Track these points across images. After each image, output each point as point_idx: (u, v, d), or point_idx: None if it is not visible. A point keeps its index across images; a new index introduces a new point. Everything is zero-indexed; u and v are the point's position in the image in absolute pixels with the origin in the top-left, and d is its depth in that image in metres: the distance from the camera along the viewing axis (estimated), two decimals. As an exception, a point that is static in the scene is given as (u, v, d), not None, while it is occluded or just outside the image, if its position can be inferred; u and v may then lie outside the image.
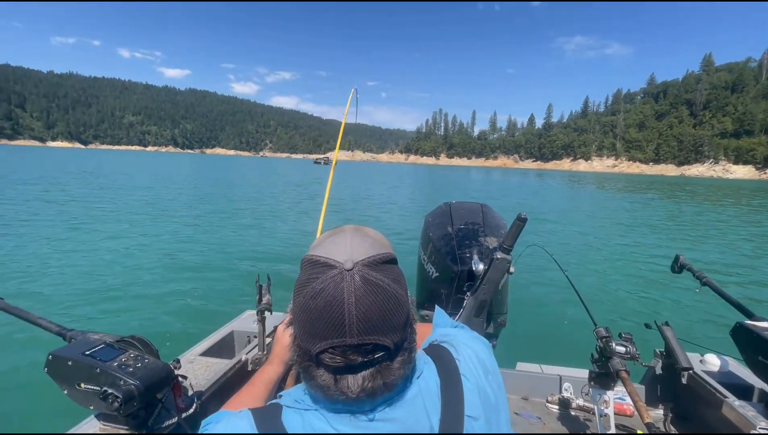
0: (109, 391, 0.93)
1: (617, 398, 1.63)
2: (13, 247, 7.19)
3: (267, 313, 1.46)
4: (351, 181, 33.37)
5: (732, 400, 1.40)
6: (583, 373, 1.70)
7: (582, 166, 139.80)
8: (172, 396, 1.09)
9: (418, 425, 0.56)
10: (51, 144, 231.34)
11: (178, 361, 1.14)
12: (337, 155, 2.78)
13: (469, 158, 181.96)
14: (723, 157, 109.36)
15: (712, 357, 1.75)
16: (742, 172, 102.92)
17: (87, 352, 1.02)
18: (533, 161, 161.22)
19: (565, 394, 1.74)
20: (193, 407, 1.13)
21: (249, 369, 1.50)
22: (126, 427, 1.04)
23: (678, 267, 1.97)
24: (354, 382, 0.51)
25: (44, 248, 7.22)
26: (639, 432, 1.51)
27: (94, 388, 0.96)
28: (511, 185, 39.69)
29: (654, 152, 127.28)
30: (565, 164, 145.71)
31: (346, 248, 0.55)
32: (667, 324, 1.69)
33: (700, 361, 1.75)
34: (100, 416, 1.07)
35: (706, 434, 1.52)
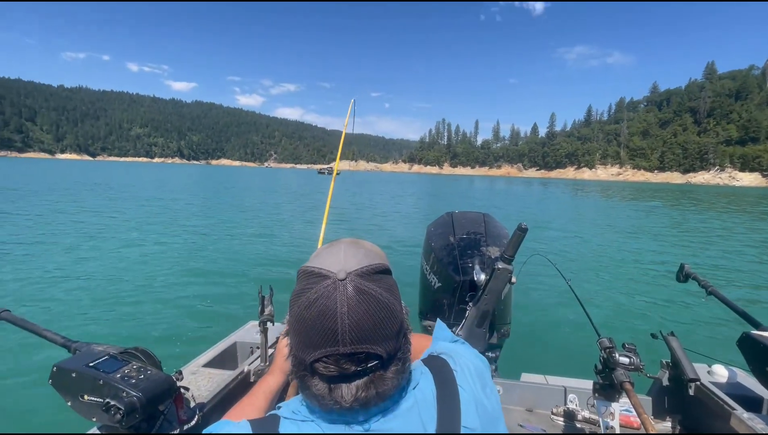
0: (112, 402, 0.93)
1: (624, 410, 1.61)
2: (20, 258, 7.26)
3: (269, 324, 1.46)
4: (354, 190, 33.50)
5: (740, 412, 1.38)
6: (589, 385, 1.67)
7: (586, 174, 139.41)
8: (174, 408, 1.09)
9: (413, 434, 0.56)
10: (60, 156, 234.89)
11: (181, 373, 1.14)
12: (337, 165, 2.82)
13: (473, 167, 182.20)
14: (729, 165, 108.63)
15: (720, 368, 1.72)
16: (749, 179, 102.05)
17: (91, 364, 1.03)
18: (537, 170, 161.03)
19: (571, 406, 1.71)
20: (195, 419, 1.13)
21: (251, 380, 1.50)
22: None
23: (683, 276, 1.95)
24: (348, 391, 0.52)
25: (51, 260, 7.29)
26: None
27: (97, 399, 0.97)
28: (514, 194, 39.61)
29: (659, 160, 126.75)
30: (569, 173, 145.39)
31: (340, 259, 0.56)
32: (672, 334, 1.67)
33: (708, 372, 1.73)
34: (103, 428, 1.07)
35: None
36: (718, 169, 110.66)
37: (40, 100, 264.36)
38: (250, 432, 0.56)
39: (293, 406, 0.60)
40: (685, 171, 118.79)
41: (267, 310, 1.44)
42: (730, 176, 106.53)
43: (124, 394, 0.95)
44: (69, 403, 1.02)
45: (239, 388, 1.46)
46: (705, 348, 1.76)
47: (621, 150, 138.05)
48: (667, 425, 1.64)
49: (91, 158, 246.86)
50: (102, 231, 10.37)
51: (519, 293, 3.79)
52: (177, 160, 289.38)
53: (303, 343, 0.53)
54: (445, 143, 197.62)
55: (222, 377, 1.47)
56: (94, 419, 1.02)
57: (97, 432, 1.07)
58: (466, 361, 0.68)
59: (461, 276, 1.72)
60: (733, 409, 1.40)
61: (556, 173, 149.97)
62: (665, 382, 1.71)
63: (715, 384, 1.61)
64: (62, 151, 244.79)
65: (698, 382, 1.53)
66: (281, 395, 0.95)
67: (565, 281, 1.73)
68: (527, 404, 1.77)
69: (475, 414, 0.60)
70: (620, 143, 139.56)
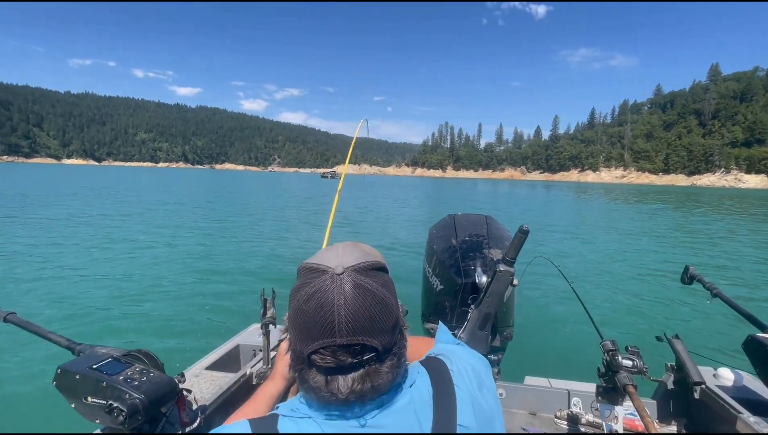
0: (114, 404, 0.94)
1: (628, 414, 1.59)
2: (28, 261, 7.33)
3: (272, 327, 1.46)
4: (358, 194, 33.54)
5: (746, 416, 1.36)
6: (593, 388, 1.66)
7: (590, 177, 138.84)
8: (176, 410, 1.10)
9: (410, 432, 0.57)
10: (66, 161, 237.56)
11: (183, 375, 1.15)
12: (344, 175, 2.85)
13: (476, 170, 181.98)
14: (734, 167, 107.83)
15: (726, 371, 1.70)
16: (755, 181, 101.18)
17: (94, 366, 1.03)
18: (541, 173, 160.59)
19: (574, 410, 1.70)
20: (197, 421, 1.13)
21: (254, 383, 1.50)
22: None
23: (688, 278, 1.94)
24: (344, 383, 0.53)
25: (57, 263, 7.34)
26: None
27: (101, 401, 0.97)
28: (517, 197, 39.51)
29: (663, 162, 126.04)
30: (573, 175, 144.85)
31: (338, 255, 0.58)
32: (677, 337, 1.66)
33: (714, 375, 1.71)
34: (106, 430, 1.08)
35: None
36: (723, 171, 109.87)
37: (47, 106, 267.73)
38: (250, 430, 0.58)
39: (291, 404, 0.61)
40: (690, 173, 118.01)
41: (269, 313, 1.45)
42: (735, 178, 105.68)
43: (127, 396, 0.96)
44: (72, 405, 1.03)
45: (241, 391, 1.47)
46: (710, 351, 1.75)
47: (625, 152, 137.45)
48: (672, 429, 1.63)
49: (96, 163, 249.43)
50: (107, 235, 10.44)
51: (522, 296, 3.79)
52: (181, 164, 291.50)
53: (301, 336, 0.55)
54: (448, 146, 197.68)
55: (224, 380, 1.47)
56: (97, 421, 1.03)
57: (100, 434, 1.08)
58: (464, 361, 0.69)
59: (463, 278, 1.72)
60: (739, 412, 1.38)
61: (559, 176, 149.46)
62: (670, 386, 1.69)
63: (720, 387, 1.59)
64: (68, 157, 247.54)
65: (703, 386, 1.52)
66: (282, 401, 0.95)
67: (568, 283, 1.72)
68: (530, 407, 1.76)
69: (471, 413, 0.61)
70: (624, 146, 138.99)
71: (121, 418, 0.93)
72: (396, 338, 0.58)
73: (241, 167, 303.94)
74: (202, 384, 1.44)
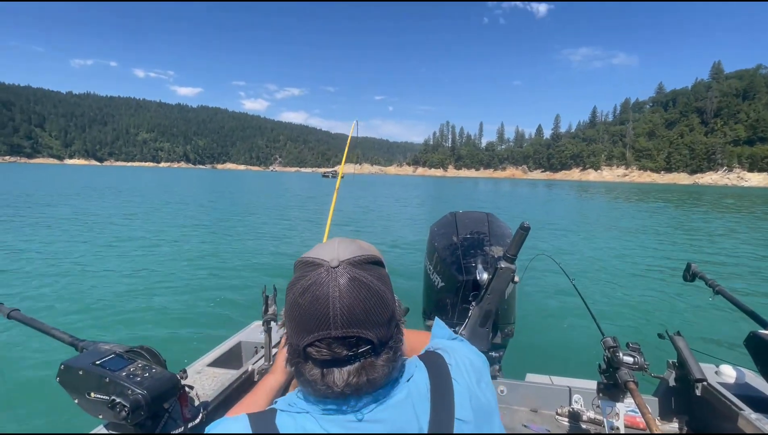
0: (117, 400, 0.95)
1: (630, 411, 1.59)
2: (32, 259, 7.36)
3: (273, 324, 1.47)
4: (359, 193, 33.55)
5: (748, 412, 1.36)
6: (594, 385, 1.66)
7: (592, 175, 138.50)
8: (179, 406, 1.10)
9: (407, 426, 0.57)
10: (68, 162, 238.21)
11: (185, 371, 1.16)
12: (341, 173, 2.86)
13: (477, 169, 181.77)
14: (737, 165, 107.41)
15: (727, 368, 1.70)
16: (757, 179, 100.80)
17: (97, 362, 1.04)
18: (542, 172, 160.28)
19: (576, 407, 1.70)
20: (199, 417, 1.14)
21: (255, 379, 1.51)
22: None
23: (690, 275, 1.94)
24: (340, 376, 0.53)
25: (60, 261, 7.37)
26: None
27: (104, 397, 0.98)
28: (519, 196, 39.46)
29: (665, 161, 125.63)
30: (575, 174, 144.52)
31: (334, 249, 0.59)
32: (679, 334, 1.66)
33: (715, 373, 1.70)
34: (109, 426, 1.08)
35: None
36: (726, 170, 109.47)
37: (49, 106, 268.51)
38: (248, 425, 0.58)
39: (289, 399, 0.61)
40: (693, 172, 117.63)
41: (271, 310, 1.45)
42: (738, 177, 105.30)
43: (130, 392, 0.97)
44: (76, 401, 1.04)
45: (243, 387, 1.47)
46: (712, 348, 1.74)
47: (626, 151, 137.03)
48: (673, 426, 1.62)
49: (98, 163, 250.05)
50: (111, 234, 10.47)
51: (523, 293, 3.78)
52: (183, 164, 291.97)
53: (297, 329, 0.55)
54: (450, 146, 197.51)
55: (226, 376, 1.48)
56: (101, 416, 1.04)
57: (104, 431, 1.09)
58: (462, 356, 0.69)
59: (464, 275, 1.72)
60: (741, 409, 1.38)
61: (561, 175, 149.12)
62: (672, 383, 1.69)
63: (722, 384, 1.59)
64: (70, 157, 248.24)
65: (705, 383, 1.52)
66: (283, 394, 0.96)
67: (569, 281, 1.72)
68: (532, 404, 1.76)
69: (469, 406, 0.61)
70: (626, 144, 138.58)
71: (123, 413, 0.94)
72: (392, 332, 0.58)
73: (242, 167, 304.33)
74: (204, 380, 1.45)
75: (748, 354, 1.51)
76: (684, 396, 1.65)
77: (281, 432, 0.56)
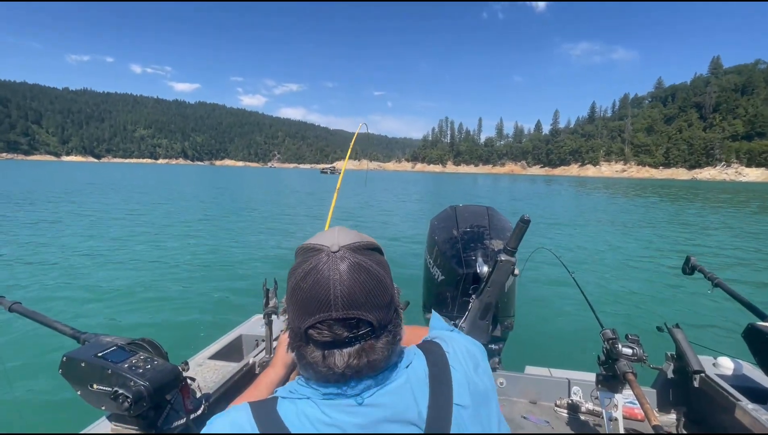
0: (120, 391, 0.96)
1: (628, 402, 1.60)
2: (35, 253, 7.36)
3: (274, 317, 1.48)
4: (358, 190, 33.52)
5: (745, 403, 1.37)
6: (593, 377, 1.67)
7: (590, 171, 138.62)
8: (180, 398, 1.11)
9: (407, 411, 0.58)
10: (65, 158, 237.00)
11: (187, 364, 1.16)
12: (343, 171, 2.87)
13: (476, 165, 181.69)
14: (735, 160, 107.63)
15: (725, 360, 1.71)
16: (755, 174, 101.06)
17: (99, 354, 1.05)
18: (541, 167, 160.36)
19: (574, 398, 1.71)
20: (201, 408, 1.15)
21: (256, 372, 1.52)
22: (136, 428, 1.06)
23: (689, 268, 1.95)
24: (340, 358, 0.55)
25: (62, 255, 7.36)
26: None
27: (106, 388, 0.99)
28: (518, 191, 39.46)
29: (663, 156, 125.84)
30: (573, 170, 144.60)
31: (334, 236, 0.61)
32: (677, 326, 1.67)
33: (713, 365, 1.72)
34: (112, 417, 1.09)
35: None
36: (724, 165, 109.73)
37: (46, 102, 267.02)
38: (249, 412, 0.59)
39: (290, 386, 0.63)
40: (691, 167, 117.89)
41: (272, 303, 1.46)
42: (736, 172, 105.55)
43: (132, 383, 0.97)
44: (78, 392, 1.04)
45: (244, 380, 1.48)
46: (711, 340, 1.76)
47: (625, 146, 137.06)
48: (672, 417, 1.64)
49: (96, 160, 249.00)
50: (112, 229, 10.45)
51: (523, 287, 3.80)
52: (181, 160, 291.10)
53: (299, 312, 0.57)
54: (449, 141, 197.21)
55: (227, 369, 1.49)
56: (103, 407, 1.04)
57: (106, 423, 1.10)
58: (459, 344, 0.71)
59: (464, 268, 1.72)
60: (738, 400, 1.39)
61: (560, 170, 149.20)
62: (670, 375, 1.71)
63: (720, 376, 1.60)
64: (68, 154, 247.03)
65: (703, 374, 1.53)
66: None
67: (569, 273, 1.73)
68: (531, 396, 1.77)
69: (467, 392, 0.62)
70: (624, 140, 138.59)
71: (126, 404, 0.95)
72: (391, 316, 0.59)
73: (240, 163, 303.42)
74: (205, 373, 1.46)
75: (746, 346, 1.52)
76: (682, 387, 1.66)
77: (283, 418, 0.57)
